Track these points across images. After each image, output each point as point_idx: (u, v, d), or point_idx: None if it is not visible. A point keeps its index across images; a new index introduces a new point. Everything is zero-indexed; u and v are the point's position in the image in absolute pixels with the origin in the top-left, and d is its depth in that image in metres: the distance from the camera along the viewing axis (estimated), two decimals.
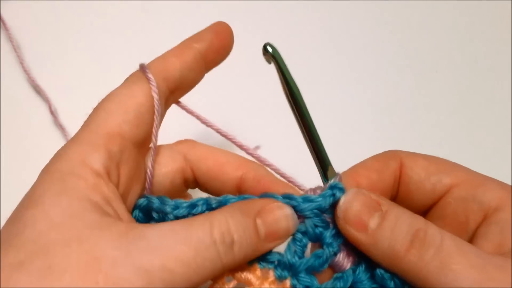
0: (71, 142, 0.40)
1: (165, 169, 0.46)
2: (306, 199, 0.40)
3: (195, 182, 0.48)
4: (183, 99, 0.48)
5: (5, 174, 0.66)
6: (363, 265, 0.40)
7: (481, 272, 0.34)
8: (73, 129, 0.54)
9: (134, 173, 0.42)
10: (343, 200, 0.40)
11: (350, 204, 0.40)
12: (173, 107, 0.48)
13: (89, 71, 0.74)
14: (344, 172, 0.44)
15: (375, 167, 0.44)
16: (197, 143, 0.48)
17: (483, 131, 0.72)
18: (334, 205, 0.40)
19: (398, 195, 0.45)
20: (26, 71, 0.74)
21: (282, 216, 0.39)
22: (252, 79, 0.72)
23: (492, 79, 0.77)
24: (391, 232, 0.38)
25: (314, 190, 0.42)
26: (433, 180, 0.43)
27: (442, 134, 0.72)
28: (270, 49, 0.40)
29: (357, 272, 0.40)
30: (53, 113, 0.71)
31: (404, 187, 0.44)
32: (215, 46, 0.45)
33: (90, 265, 0.33)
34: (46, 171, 0.38)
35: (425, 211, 0.45)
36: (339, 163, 0.43)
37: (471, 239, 0.41)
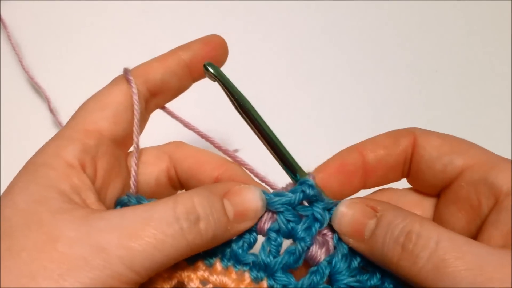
0: (51, 139, 0.41)
1: (150, 168, 0.47)
2: (277, 194, 0.41)
3: (179, 182, 0.48)
4: (170, 105, 0.49)
5: (5, 173, 0.66)
6: (339, 255, 0.40)
7: (478, 274, 0.33)
8: None
9: (113, 168, 0.43)
10: (337, 211, 0.41)
11: (343, 215, 0.40)
12: (160, 113, 0.49)
13: (88, 70, 0.75)
14: (352, 146, 0.44)
15: (384, 143, 0.44)
16: (184, 144, 0.49)
17: (483, 131, 0.72)
18: (308, 202, 0.41)
19: (410, 174, 0.45)
20: (25, 70, 0.74)
21: (250, 196, 0.40)
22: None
23: (492, 79, 0.77)
24: (383, 239, 0.37)
25: (285, 188, 0.43)
26: (445, 161, 0.42)
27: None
28: (211, 69, 0.42)
29: (333, 263, 0.40)
30: (52, 111, 0.71)
31: (416, 166, 0.43)
32: (202, 56, 0.46)
33: (46, 244, 0.34)
34: (24, 165, 0.39)
35: (438, 192, 0.44)
36: None
37: (483, 225, 0.39)
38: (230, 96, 0.42)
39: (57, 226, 0.34)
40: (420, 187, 0.45)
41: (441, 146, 0.42)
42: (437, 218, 0.44)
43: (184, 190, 0.49)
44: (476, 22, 0.81)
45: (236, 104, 0.42)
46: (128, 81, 0.43)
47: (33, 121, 0.72)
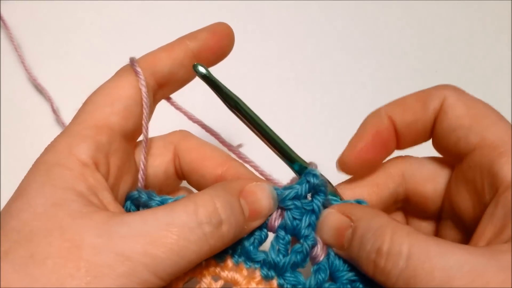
0: (59, 135, 0.40)
1: (158, 160, 0.47)
2: (287, 188, 0.41)
3: (183, 174, 0.48)
4: (174, 96, 0.48)
5: (6, 173, 0.66)
6: (332, 253, 0.40)
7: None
8: None
9: (124, 164, 0.42)
10: (319, 222, 0.41)
11: (323, 225, 0.41)
12: (164, 103, 0.48)
13: (90, 69, 0.74)
14: (380, 109, 0.44)
15: (414, 108, 0.42)
16: (190, 135, 0.48)
17: None
18: (312, 193, 0.41)
19: (432, 138, 0.43)
20: (27, 70, 0.74)
21: (263, 194, 0.40)
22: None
23: (492, 79, 0.77)
24: (357, 252, 0.37)
25: (291, 183, 0.43)
26: (460, 134, 0.40)
27: None
28: (201, 70, 0.42)
29: (329, 261, 0.40)
30: (55, 111, 0.71)
31: (435, 131, 0.42)
32: (209, 46, 0.45)
33: (71, 252, 0.33)
34: (34, 164, 0.38)
35: (453, 166, 0.43)
36: None
37: (483, 215, 0.38)
38: (220, 96, 0.42)
39: (79, 232, 0.34)
40: (439, 151, 0.44)
41: (462, 116, 0.40)
42: (448, 196, 0.43)
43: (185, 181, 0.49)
44: (476, 22, 0.82)
45: (226, 103, 0.42)
46: (136, 73, 0.42)
47: (35, 121, 0.72)
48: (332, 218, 0.40)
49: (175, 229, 0.35)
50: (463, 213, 0.41)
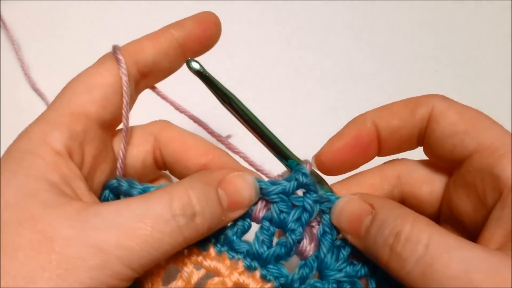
0: (34, 122, 0.39)
1: (136, 150, 0.45)
2: (273, 183, 0.41)
3: (164, 164, 0.47)
4: (160, 85, 0.47)
5: None
6: (324, 249, 0.40)
7: (466, 283, 0.31)
8: None
9: (100, 153, 0.41)
10: (335, 207, 0.40)
11: (342, 211, 0.40)
12: (149, 92, 0.47)
13: None
14: (366, 113, 0.43)
15: (400, 114, 0.42)
16: (170, 125, 0.47)
17: None
18: (302, 188, 0.41)
19: (424, 146, 0.43)
20: (25, 72, 0.74)
21: (244, 184, 0.39)
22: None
23: (492, 79, 0.77)
24: (375, 237, 0.36)
25: (281, 175, 0.43)
26: (455, 141, 0.39)
27: None
28: (195, 65, 0.41)
29: (319, 258, 0.40)
30: None
31: (428, 140, 0.41)
32: (195, 35, 0.44)
33: (43, 244, 0.33)
34: (6, 151, 0.38)
35: (451, 170, 0.42)
36: None
37: (488, 219, 0.37)
38: (214, 92, 0.42)
39: (51, 223, 0.33)
40: (433, 160, 0.43)
41: (456, 123, 0.39)
42: (446, 200, 0.42)
43: (168, 171, 0.48)
44: (476, 22, 0.81)
45: (220, 99, 0.42)
46: (118, 61, 0.41)
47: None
48: (353, 204, 0.39)
49: (149, 221, 0.34)
50: (463, 216, 0.41)
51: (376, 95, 0.75)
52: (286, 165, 0.43)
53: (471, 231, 0.40)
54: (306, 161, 0.43)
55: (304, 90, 0.76)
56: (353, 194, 0.41)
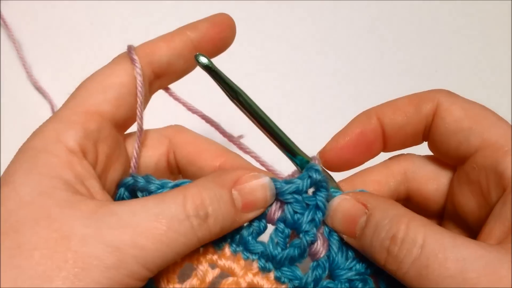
0: (48, 120, 0.39)
1: (151, 152, 0.46)
2: (287, 181, 0.40)
3: (178, 168, 0.47)
4: (174, 86, 0.47)
5: None
6: (334, 249, 0.40)
7: (461, 282, 0.32)
8: None
9: (113, 152, 0.42)
10: (329, 207, 0.40)
11: (335, 211, 0.40)
12: (162, 93, 0.48)
13: (90, 70, 0.74)
14: (371, 110, 0.43)
15: (405, 110, 0.42)
16: (184, 129, 0.47)
17: None
18: (314, 185, 0.41)
19: (429, 142, 0.43)
20: (27, 71, 0.74)
21: (259, 185, 0.39)
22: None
23: (492, 79, 0.77)
24: (371, 239, 0.36)
25: (291, 175, 0.43)
26: (460, 137, 0.39)
27: None
28: (203, 60, 0.41)
29: (330, 258, 0.40)
30: (55, 111, 0.71)
31: (432, 136, 0.41)
32: (210, 37, 0.44)
33: (59, 243, 0.32)
34: (21, 149, 0.38)
35: (455, 167, 0.42)
36: None
37: (489, 215, 0.37)
38: (222, 87, 0.41)
39: (67, 222, 0.33)
40: (438, 156, 0.43)
41: (461, 120, 0.39)
42: (450, 196, 0.42)
43: (181, 176, 0.48)
44: (476, 22, 0.81)
45: (228, 94, 0.42)
46: (132, 61, 0.42)
47: (35, 122, 0.71)
48: (346, 205, 0.39)
49: (164, 220, 0.34)
50: (467, 213, 0.41)
51: (376, 95, 0.75)
52: (294, 162, 0.43)
53: (475, 228, 0.40)
54: (314, 157, 0.42)
55: (309, 88, 0.76)
56: (345, 193, 0.41)
